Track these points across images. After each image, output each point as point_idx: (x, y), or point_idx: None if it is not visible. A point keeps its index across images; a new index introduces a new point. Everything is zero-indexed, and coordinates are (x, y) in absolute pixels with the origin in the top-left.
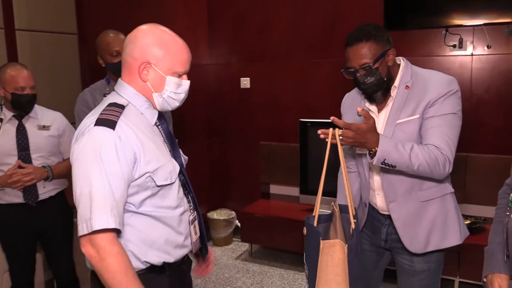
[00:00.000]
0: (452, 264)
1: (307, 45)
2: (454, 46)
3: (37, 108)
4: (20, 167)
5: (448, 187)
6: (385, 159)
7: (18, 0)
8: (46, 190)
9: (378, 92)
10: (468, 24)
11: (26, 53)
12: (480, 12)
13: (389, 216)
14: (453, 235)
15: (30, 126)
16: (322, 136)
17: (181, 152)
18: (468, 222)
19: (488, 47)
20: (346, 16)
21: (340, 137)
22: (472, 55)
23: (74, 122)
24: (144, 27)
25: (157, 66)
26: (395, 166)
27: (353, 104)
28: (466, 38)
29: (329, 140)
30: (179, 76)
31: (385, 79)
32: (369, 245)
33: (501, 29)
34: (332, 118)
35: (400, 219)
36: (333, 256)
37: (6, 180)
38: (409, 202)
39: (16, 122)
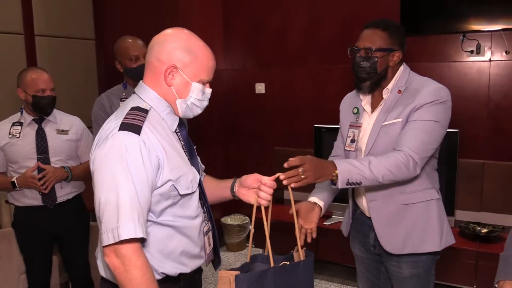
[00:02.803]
0: (469, 272)
1: (323, 51)
2: (472, 51)
3: (56, 112)
4: (39, 168)
5: (434, 193)
6: (348, 179)
7: (38, 6)
8: (64, 193)
9: (366, 82)
10: (486, 29)
11: (45, 58)
12: (498, 17)
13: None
14: (431, 241)
15: (49, 129)
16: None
17: (199, 160)
18: (485, 230)
19: (507, 52)
20: (362, 22)
21: (303, 175)
22: (490, 60)
23: (91, 126)
24: (171, 30)
25: (184, 71)
26: (361, 183)
27: (350, 104)
28: (483, 43)
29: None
30: (203, 83)
31: (378, 72)
32: (364, 252)
33: None
34: (286, 163)
35: (379, 219)
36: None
37: (25, 181)
38: (389, 204)
39: (36, 126)
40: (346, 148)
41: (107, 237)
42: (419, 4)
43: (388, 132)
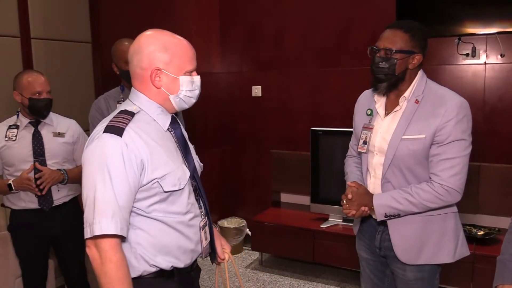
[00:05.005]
0: (466, 275)
1: (319, 54)
2: (467, 54)
3: (52, 115)
4: (36, 169)
5: (452, 207)
6: (385, 213)
7: (34, 9)
8: (60, 196)
9: (384, 83)
10: (481, 32)
11: (41, 61)
12: (494, 21)
13: (382, 222)
14: (446, 253)
15: (45, 132)
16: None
17: (197, 159)
18: (481, 232)
19: (502, 55)
20: (358, 25)
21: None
22: (485, 63)
23: (88, 129)
24: (145, 35)
25: (167, 70)
26: (399, 215)
27: (365, 105)
28: (479, 46)
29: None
30: (190, 73)
31: (396, 74)
32: (369, 253)
33: None
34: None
35: (396, 229)
36: None
37: (21, 183)
38: (409, 216)
39: (32, 129)
40: (359, 150)
41: (86, 231)
42: (414, 7)
43: (409, 147)
